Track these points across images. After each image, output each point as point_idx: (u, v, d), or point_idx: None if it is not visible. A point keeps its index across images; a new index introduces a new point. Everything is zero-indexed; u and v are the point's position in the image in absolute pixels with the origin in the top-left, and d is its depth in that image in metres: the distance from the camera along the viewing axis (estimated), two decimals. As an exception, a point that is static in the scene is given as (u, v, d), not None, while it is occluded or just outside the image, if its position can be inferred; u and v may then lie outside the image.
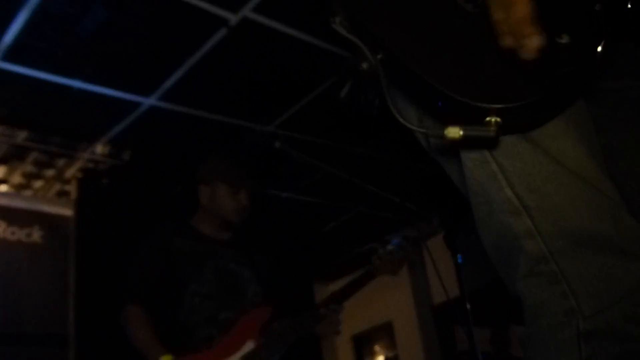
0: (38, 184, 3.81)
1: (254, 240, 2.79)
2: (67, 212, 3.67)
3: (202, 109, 3.34)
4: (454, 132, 0.89)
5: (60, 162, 3.66)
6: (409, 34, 0.95)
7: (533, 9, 0.88)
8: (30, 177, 3.75)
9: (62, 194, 3.84)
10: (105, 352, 3.11)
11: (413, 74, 0.92)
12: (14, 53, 2.78)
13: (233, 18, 2.78)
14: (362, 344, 5.37)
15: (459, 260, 2.65)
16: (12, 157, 3.54)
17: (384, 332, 5.24)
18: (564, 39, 0.90)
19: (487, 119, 0.90)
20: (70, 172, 3.75)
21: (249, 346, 2.43)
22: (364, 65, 0.94)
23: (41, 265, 3.48)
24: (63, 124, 3.35)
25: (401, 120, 0.94)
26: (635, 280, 0.92)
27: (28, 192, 3.82)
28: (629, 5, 0.94)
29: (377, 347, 5.32)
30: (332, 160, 3.59)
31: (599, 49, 0.91)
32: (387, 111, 0.95)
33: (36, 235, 3.53)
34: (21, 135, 3.39)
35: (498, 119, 0.90)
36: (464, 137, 0.89)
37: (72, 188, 3.80)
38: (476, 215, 1.05)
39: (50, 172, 3.74)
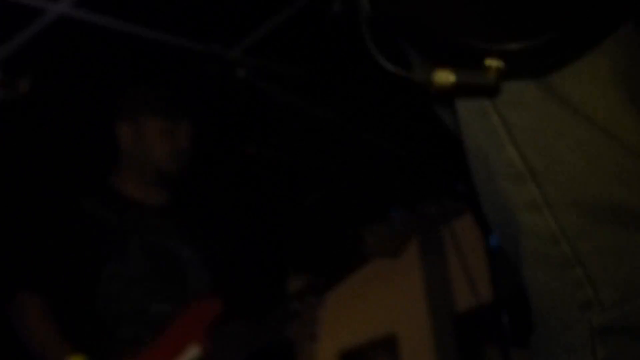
0: None
1: (200, 210, 2.85)
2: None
3: (136, 23, 3.32)
4: (444, 77, 0.95)
5: None
6: None
7: None
8: None
9: None
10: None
11: (396, 6, 0.99)
12: None
13: None
14: (354, 364, 5.43)
15: (492, 244, 2.66)
16: None
17: (385, 349, 5.23)
18: None
19: (487, 62, 0.95)
20: (-57, 107, 3.76)
21: (191, 353, 2.48)
22: None
23: None
24: None
25: (380, 60, 1.01)
26: None
27: None
28: None
29: (374, 370, 5.36)
30: (319, 100, 3.62)
31: None
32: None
33: None
34: None
35: (500, 64, 0.95)
36: (456, 85, 0.95)
37: (-55, 129, 3.81)
38: (476, 184, 1.12)
39: None
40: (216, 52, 3.51)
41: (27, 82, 3.60)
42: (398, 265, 3.09)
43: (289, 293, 2.64)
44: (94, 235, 2.55)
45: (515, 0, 0.96)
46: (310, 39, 3.55)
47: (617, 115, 1.02)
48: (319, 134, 4.06)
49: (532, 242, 1.04)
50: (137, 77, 3.39)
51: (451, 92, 0.97)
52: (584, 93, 1.02)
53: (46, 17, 3.22)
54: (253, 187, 4.50)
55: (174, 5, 3.29)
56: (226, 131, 4.07)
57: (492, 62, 0.95)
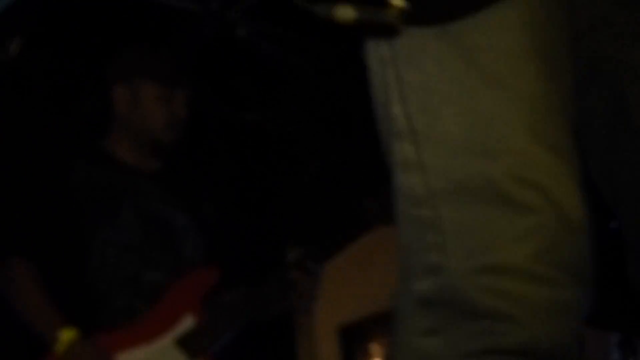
0: None
1: (196, 177, 2.87)
2: None
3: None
4: (345, 12, 0.95)
5: None
6: None
7: None
8: None
9: None
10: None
11: None
12: None
13: None
14: (353, 339, 5.31)
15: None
16: None
17: (386, 325, 5.23)
18: None
19: (390, 0, 0.96)
20: None
21: (186, 323, 2.48)
22: None
23: None
24: None
25: None
26: (512, 237, 1.00)
27: None
28: None
29: (373, 346, 5.29)
30: (326, 62, 3.58)
31: None
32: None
33: None
34: None
35: (402, 3, 0.95)
36: (357, 21, 0.95)
37: None
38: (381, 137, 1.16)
39: None
40: (213, 12, 3.36)
41: (18, 46, 3.60)
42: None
43: (288, 262, 2.64)
44: (86, 200, 2.54)
45: None
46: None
47: (519, 66, 1.03)
48: (323, 98, 4.02)
49: (402, 202, 1.08)
50: (132, 37, 3.33)
51: (353, 29, 0.98)
52: (487, 42, 1.03)
53: (36, -26, 3.20)
54: (252, 153, 4.47)
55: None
56: (224, 94, 3.99)
57: (395, 1, 0.95)
